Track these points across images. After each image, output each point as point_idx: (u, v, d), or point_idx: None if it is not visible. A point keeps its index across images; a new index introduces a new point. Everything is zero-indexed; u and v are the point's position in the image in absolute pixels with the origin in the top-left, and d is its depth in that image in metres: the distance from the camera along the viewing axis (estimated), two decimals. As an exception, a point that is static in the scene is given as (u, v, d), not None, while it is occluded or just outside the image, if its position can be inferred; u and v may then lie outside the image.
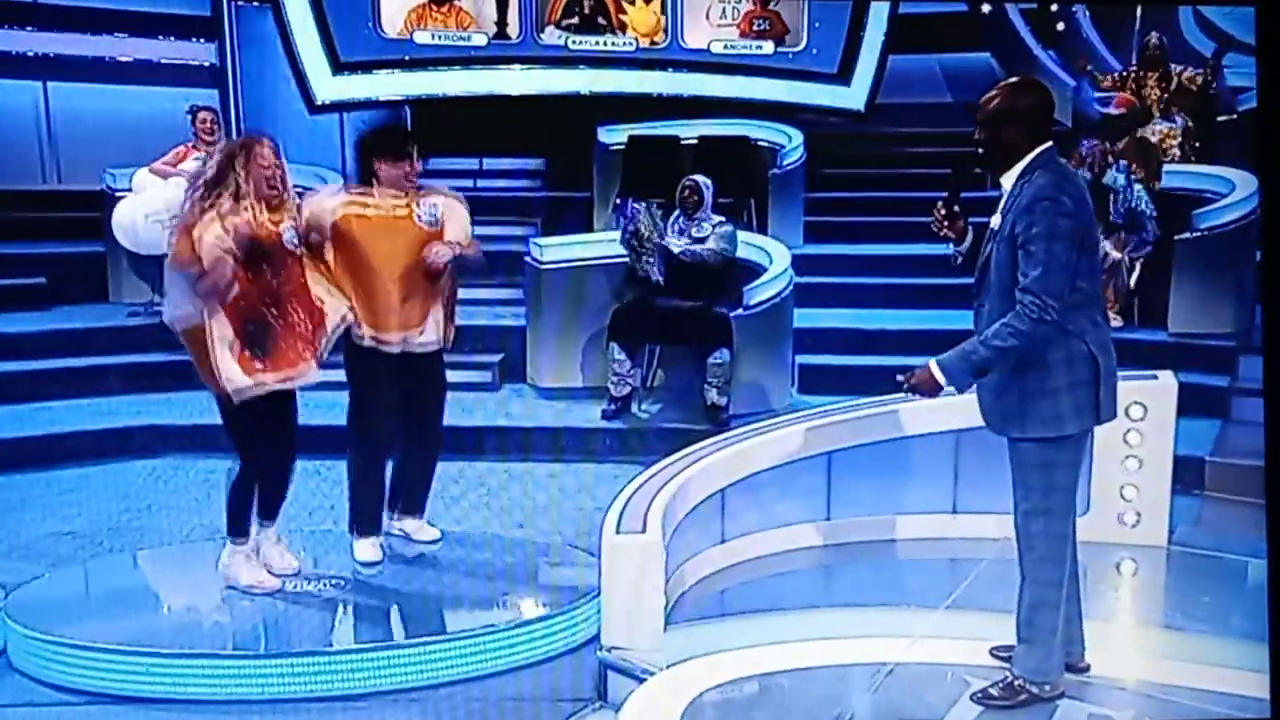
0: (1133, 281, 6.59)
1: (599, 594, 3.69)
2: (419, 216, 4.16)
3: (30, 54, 7.53)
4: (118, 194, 6.71)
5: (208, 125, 6.52)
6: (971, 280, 3.29)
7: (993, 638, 3.51)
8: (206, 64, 7.76)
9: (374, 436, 4.32)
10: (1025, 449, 3.18)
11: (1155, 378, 4.48)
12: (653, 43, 7.48)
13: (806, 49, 7.30)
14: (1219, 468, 5.21)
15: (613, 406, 5.99)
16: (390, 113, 7.15)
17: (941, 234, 3.38)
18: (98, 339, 6.37)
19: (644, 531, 3.66)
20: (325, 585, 4.15)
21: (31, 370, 6.07)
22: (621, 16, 7.56)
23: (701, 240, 5.99)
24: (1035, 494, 3.18)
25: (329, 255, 4.10)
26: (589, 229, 7.42)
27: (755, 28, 7.54)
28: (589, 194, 7.76)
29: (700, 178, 6.11)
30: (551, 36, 7.45)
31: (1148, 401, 4.38)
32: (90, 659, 3.68)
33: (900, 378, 3.29)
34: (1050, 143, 3.14)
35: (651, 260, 5.96)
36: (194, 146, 6.46)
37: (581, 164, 7.76)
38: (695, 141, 7.64)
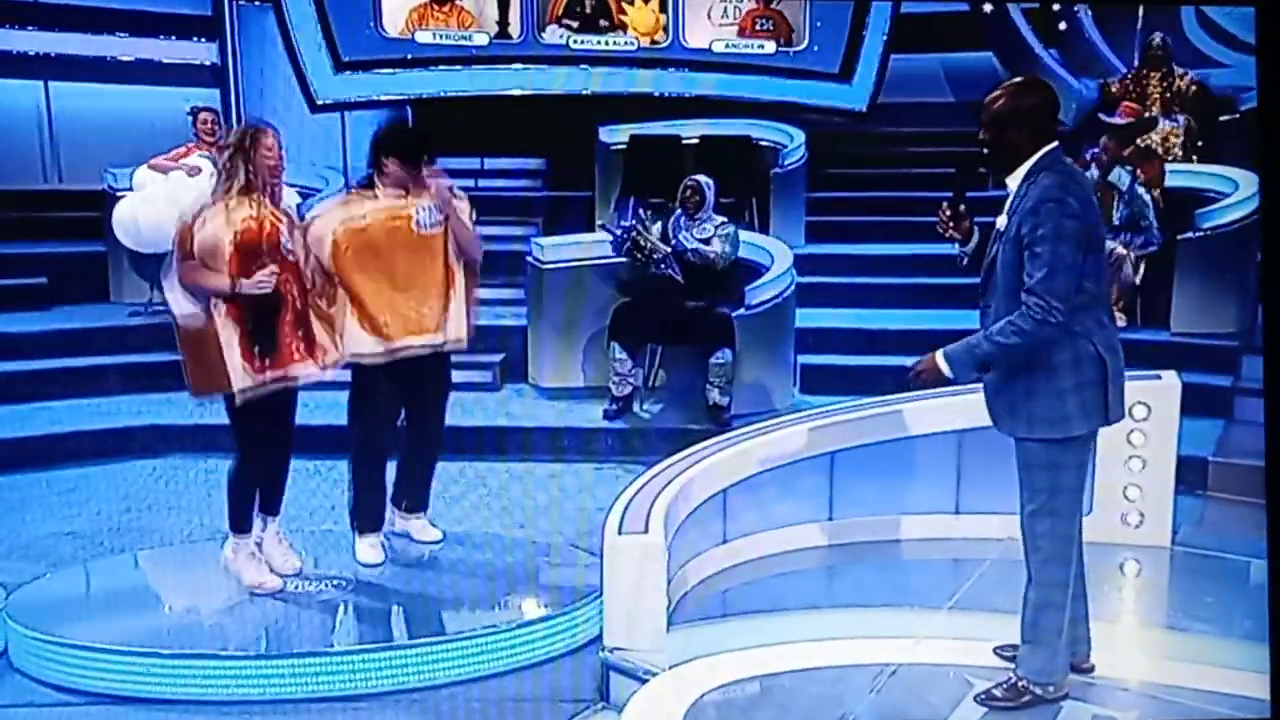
0: (1138, 279, 6.58)
1: (600, 594, 3.69)
2: (418, 223, 4.16)
3: (31, 53, 7.53)
4: (119, 194, 6.71)
5: (209, 126, 6.52)
6: (975, 280, 3.29)
7: (996, 638, 3.50)
8: (208, 64, 7.76)
9: (376, 431, 4.30)
10: (1032, 449, 3.17)
11: (1159, 378, 4.47)
12: (654, 42, 7.47)
13: (808, 48, 7.30)
14: (1222, 468, 5.20)
15: (614, 406, 5.99)
16: (402, 113, 7.13)
17: (947, 234, 3.37)
18: (98, 339, 6.36)
19: (646, 532, 3.66)
20: (326, 585, 4.15)
21: (32, 370, 6.06)
22: (622, 16, 7.56)
23: (705, 241, 5.98)
24: (1041, 494, 3.17)
25: (332, 271, 4.10)
26: (590, 229, 7.41)
27: (758, 27, 7.53)
28: (590, 194, 7.75)
29: (702, 178, 6.10)
30: (553, 36, 7.45)
31: (1151, 402, 4.37)
32: (91, 659, 3.68)
33: (910, 363, 3.28)
34: (1056, 143, 3.13)
35: (664, 263, 5.94)
36: (195, 146, 6.47)
37: (583, 164, 7.76)
38: (697, 141, 7.63)
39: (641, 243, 5.94)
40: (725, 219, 6.13)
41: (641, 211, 6.10)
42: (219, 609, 4.01)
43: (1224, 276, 6.38)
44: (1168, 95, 7.45)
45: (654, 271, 5.97)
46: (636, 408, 6.07)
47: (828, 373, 6.28)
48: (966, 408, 3.94)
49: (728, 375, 5.88)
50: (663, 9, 7.44)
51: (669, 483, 3.96)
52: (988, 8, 8.26)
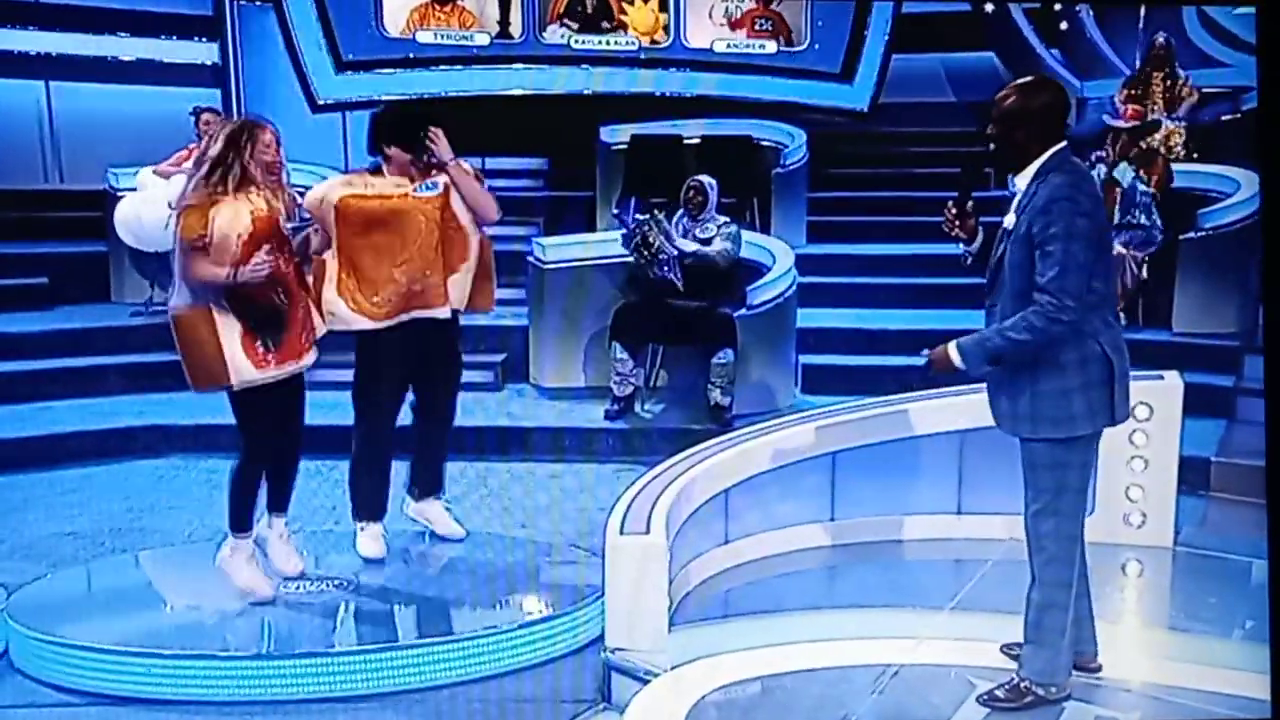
0: (1142, 275, 6.58)
1: (602, 595, 3.68)
2: (416, 189, 4.10)
3: (32, 53, 7.54)
4: (120, 193, 6.72)
5: (211, 127, 6.51)
6: (977, 280, 3.28)
7: (998, 639, 3.50)
8: (209, 63, 7.77)
9: (378, 412, 4.25)
10: (1037, 449, 3.16)
11: (1161, 378, 4.46)
12: (654, 42, 7.48)
13: (809, 48, 7.31)
14: (1224, 468, 5.20)
15: (615, 406, 5.98)
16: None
17: (952, 234, 3.36)
18: (100, 339, 6.37)
19: (647, 532, 3.64)
20: (327, 586, 4.14)
21: (33, 370, 6.07)
22: (622, 16, 7.56)
23: (707, 241, 5.97)
24: (1046, 494, 3.16)
25: (334, 244, 4.05)
26: (591, 229, 7.42)
27: (758, 27, 7.54)
28: (591, 194, 7.76)
29: (705, 178, 6.09)
30: (554, 36, 7.46)
31: (1153, 402, 4.36)
32: (92, 660, 3.67)
33: (924, 351, 3.26)
34: (1064, 142, 3.12)
35: (666, 266, 5.94)
36: (197, 148, 6.46)
37: (584, 164, 7.76)
38: (698, 141, 7.64)
39: (650, 239, 5.92)
40: (728, 219, 6.13)
41: (656, 210, 6.08)
42: (220, 609, 3.99)
43: (1226, 276, 6.38)
44: (1170, 96, 7.46)
45: (655, 274, 5.96)
46: (638, 408, 6.06)
47: (829, 373, 6.28)
48: (969, 408, 3.94)
49: (729, 375, 5.88)
50: (663, 9, 7.45)
51: (670, 483, 3.95)
52: (989, 7, 8.27)
